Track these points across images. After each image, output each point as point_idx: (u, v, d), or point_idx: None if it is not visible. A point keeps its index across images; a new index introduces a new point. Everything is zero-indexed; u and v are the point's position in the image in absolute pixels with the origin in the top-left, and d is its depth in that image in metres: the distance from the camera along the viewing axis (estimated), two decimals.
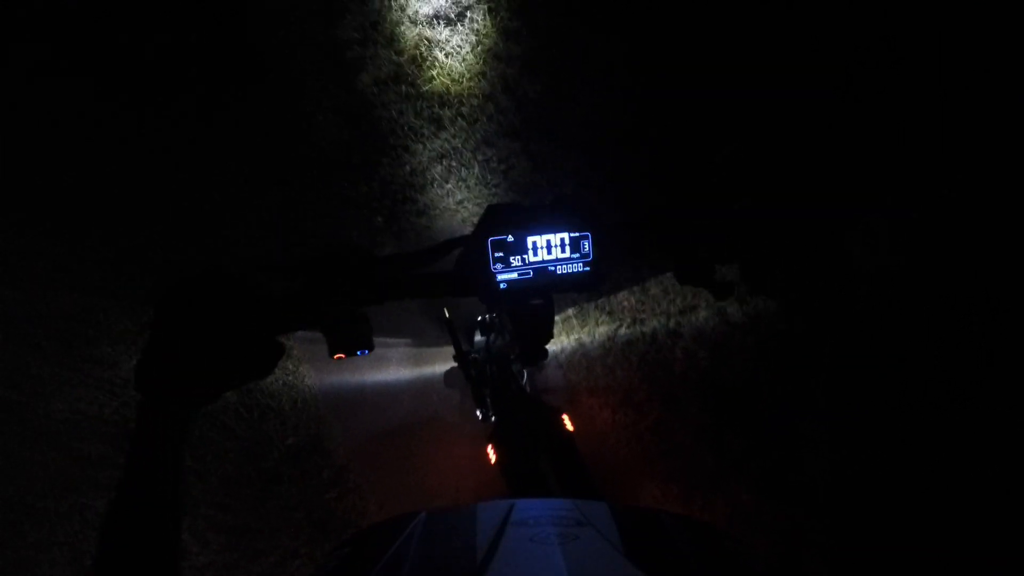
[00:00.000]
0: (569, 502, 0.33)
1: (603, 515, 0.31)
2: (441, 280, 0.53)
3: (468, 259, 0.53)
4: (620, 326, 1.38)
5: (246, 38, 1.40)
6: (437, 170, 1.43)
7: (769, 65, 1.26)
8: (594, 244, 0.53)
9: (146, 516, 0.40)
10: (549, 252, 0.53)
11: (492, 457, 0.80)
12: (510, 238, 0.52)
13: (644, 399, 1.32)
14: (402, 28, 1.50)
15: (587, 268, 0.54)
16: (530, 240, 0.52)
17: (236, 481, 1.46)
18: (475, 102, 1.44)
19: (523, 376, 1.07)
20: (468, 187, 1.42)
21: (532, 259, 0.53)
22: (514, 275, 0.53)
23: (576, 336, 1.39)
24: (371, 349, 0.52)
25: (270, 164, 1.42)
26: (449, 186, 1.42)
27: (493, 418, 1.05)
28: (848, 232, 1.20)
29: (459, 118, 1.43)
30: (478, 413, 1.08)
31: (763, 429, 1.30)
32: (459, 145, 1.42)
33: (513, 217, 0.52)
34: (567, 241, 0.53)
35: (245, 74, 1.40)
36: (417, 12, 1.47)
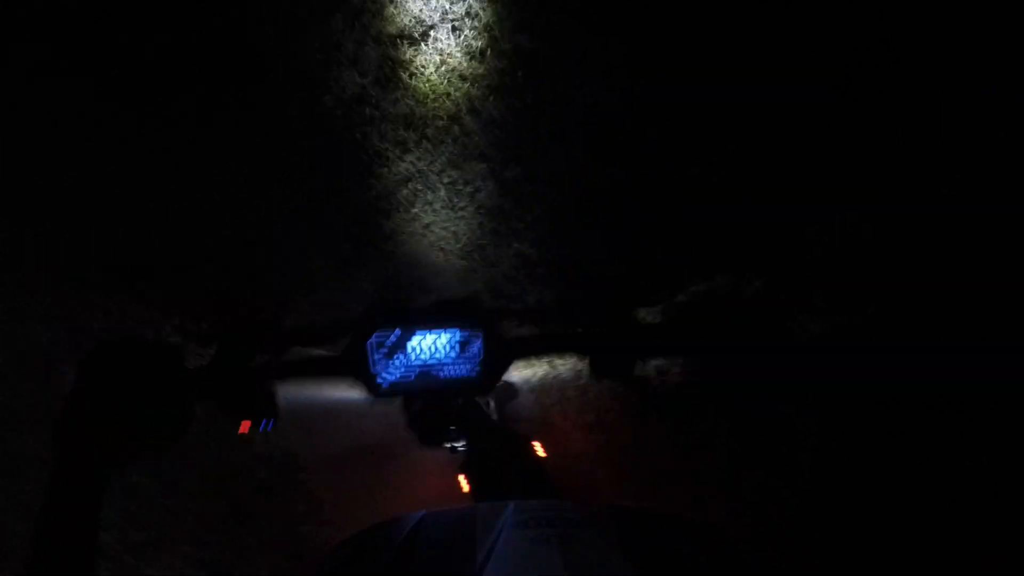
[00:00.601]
0: (568, 503, 0.33)
1: (602, 516, 0.31)
2: (334, 364, 0.53)
3: (353, 352, 0.52)
4: None
5: (246, 38, 1.38)
6: (403, 194, 1.41)
7: (765, 66, 1.24)
8: (485, 346, 0.51)
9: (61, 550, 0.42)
10: (435, 354, 0.51)
11: (465, 487, 0.82)
12: (391, 338, 0.51)
13: (617, 419, 1.32)
14: (366, 49, 1.47)
15: (476, 371, 0.52)
16: (414, 341, 0.51)
17: (210, 516, 1.44)
18: (440, 123, 1.42)
19: (489, 405, 1.07)
20: (434, 211, 1.40)
21: (414, 361, 0.51)
22: (396, 376, 0.52)
23: (547, 359, 1.39)
24: (277, 419, 0.52)
25: (273, 164, 1.41)
26: (415, 210, 1.41)
27: (461, 448, 1.04)
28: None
29: (424, 140, 1.42)
30: (447, 445, 1.07)
31: (748, 442, 1.30)
32: (424, 168, 1.41)
33: (395, 318, 0.52)
34: (454, 342, 0.51)
35: (246, 74, 1.38)
36: (380, 32, 1.45)
